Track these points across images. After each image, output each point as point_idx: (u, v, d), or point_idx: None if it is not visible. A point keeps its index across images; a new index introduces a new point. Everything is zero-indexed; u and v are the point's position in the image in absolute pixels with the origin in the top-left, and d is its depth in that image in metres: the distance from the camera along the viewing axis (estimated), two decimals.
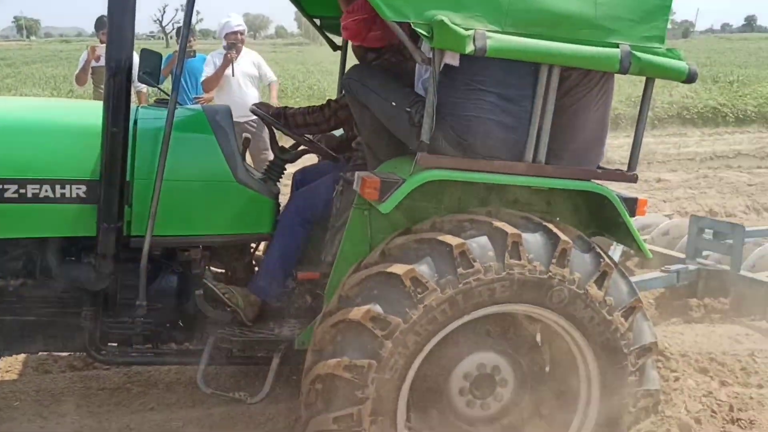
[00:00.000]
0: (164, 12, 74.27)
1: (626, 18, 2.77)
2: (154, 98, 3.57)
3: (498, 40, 2.58)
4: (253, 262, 3.58)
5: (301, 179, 3.78)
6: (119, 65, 2.69)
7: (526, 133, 2.79)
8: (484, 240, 2.69)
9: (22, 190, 2.86)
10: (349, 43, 4.34)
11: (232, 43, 6.54)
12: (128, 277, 3.10)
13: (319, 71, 25.20)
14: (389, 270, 2.65)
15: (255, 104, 3.73)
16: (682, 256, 4.88)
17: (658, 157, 11.71)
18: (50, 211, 2.92)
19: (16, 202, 2.87)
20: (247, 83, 6.74)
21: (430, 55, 2.64)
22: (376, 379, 2.63)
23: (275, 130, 3.60)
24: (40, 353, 3.72)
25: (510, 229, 2.70)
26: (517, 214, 2.84)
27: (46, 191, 2.89)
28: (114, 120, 2.72)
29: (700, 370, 3.37)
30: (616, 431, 2.94)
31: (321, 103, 3.69)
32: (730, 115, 15.65)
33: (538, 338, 3.11)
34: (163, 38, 68.61)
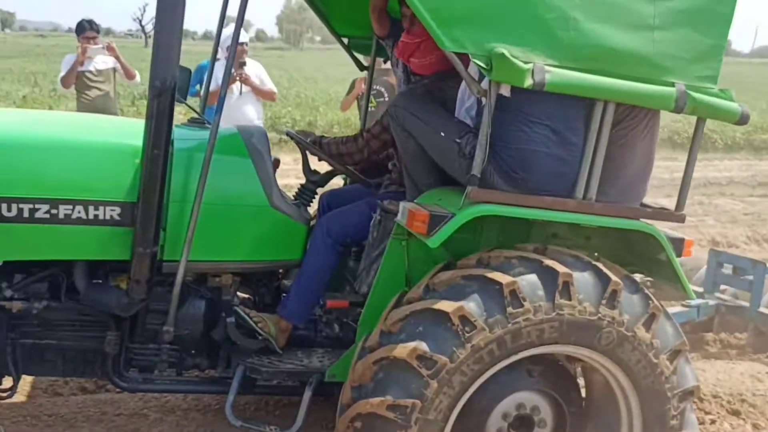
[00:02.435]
0: (144, 11, 72.72)
1: (682, 57, 2.73)
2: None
3: (557, 74, 2.52)
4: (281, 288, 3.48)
5: (328, 202, 3.68)
6: (164, 85, 2.56)
7: (577, 167, 2.73)
8: (534, 279, 2.62)
9: (54, 211, 2.73)
10: (375, 65, 4.32)
11: (241, 62, 6.36)
12: (156, 302, 2.99)
13: (302, 78, 24.98)
14: (436, 307, 2.57)
15: (293, 131, 3.66)
16: (700, 289, 4.85)
17: (653, 182, 11.76)
18: (82, 233, 2.80)
19: (48, 223, 2.74)
20: (246, 97, 6.56)
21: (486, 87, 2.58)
22: (419, 419, 2.54)
23: (308, 155, 3.51)
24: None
25: (561, 269, 2.63)
26: (565, 252, 2.76)
27: (79, 212, 2.77)
28: (155, 141, 2.61)
29: (733, 412, 3.32)
30: None
31: (354, 133, 3.63)
32: (719, 141, 15.79)
33: (579, 378, 3.04)
34: (142, 37, 67.51)
